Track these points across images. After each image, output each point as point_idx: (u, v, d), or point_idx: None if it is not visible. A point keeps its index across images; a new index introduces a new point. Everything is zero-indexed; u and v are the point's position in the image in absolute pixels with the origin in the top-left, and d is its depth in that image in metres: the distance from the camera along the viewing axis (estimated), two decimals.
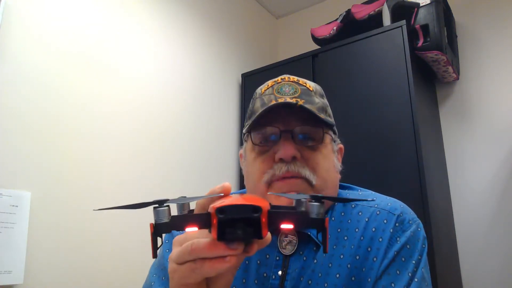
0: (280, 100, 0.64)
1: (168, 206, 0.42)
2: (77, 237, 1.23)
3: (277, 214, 0.40)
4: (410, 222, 0.63)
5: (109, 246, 1.32)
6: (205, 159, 1.79)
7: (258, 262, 0.64)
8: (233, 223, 0.38)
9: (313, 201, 0.41)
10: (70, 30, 1.33)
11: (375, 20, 1.72)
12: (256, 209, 0.38)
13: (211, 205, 0.40)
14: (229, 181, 1.89)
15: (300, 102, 0.63)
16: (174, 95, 1.70)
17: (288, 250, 0.63)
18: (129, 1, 1.57)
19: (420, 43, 1.57)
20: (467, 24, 1.88)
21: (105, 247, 1.31)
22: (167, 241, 0.69)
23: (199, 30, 1.90)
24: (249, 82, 2.03)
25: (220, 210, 0.37)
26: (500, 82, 1.75)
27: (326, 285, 0.59)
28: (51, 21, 1.28)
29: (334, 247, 0.63)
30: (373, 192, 0.71)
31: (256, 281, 0.62)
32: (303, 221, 0.40)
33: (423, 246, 0.62)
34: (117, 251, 1.34)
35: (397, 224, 0.62)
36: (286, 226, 0.40)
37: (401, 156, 1.45)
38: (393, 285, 0.58)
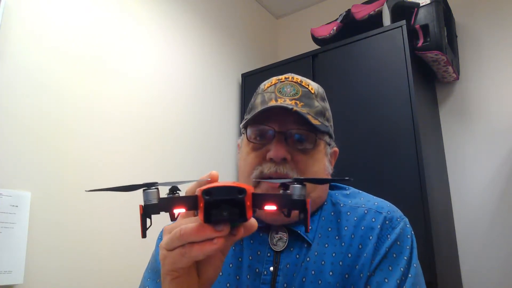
0: (279, 101, 0.66)
1: (157, 188, 0.43)
2: (77, 237, 1.23)
3: (260, 196, 0.42)
4: (398, 219, 0.66)
5: (109, 246, 1.32)
6: (205, 159, 1.79)
7: (250, 258, 0.65)
8: (219, 205, 0.40)
9: (295, 183, 0.42)
10: (70, 30, 1.33)
11: (375, 20, 1.72)
12: (241, 190, 0.40)
13: (198, 188, 0.42)
14: (229, 181, 1.90)
15: (299, 105, 0.65)
16: (174, 95, 1.70)
17: (279, 246, 0.65)
18: (129, 1, 1.57)
19: (420, 43, 1.57)
20: (467, 24, 1.88)
21: (105, 246, 1.31)
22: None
23: (199, 30, 1.90)
24: (249, 82, 2.03)
25: (206, 191, 0.39)
26: (500, 82, 1.75)
27: (320, 282, 0.61)
28: (51, 21, 1.28)
29: (326, 245, 0.64)
30: (361, 192, 0.73)
31: (248, 277, 0.64)
32: (286, 202, 0.42)
33: (412, 242, 0.64)
34: (117, 250, 1.34)
35: (387, 222, 0.65)
36: (270, 207, 0.42)
37: (401, 156, 1.45)
38: (386, 280, 0.59)
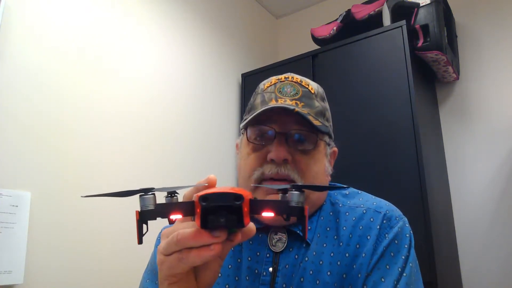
0: (280, 101, 0.66)
1: (153, 194, 0.43)
2: (77, 237, 1.23)
3: (258, 202, 0.41)
4: (397, 218, 0.66)
5: (109, 246, 1.32)
6: (205, 159, 1.79)
7: (249, 259, 0.65)
8: (216, 211, 0.39)
9: (293, 190, 0.42)
10: (70, 30, 1.33)
11: (375, 20, 1.72)
12: (238, 197, 0.39)
13: (195, 194, 0.41)
14: (229, 181, 1.90)
15: (300, 105, 0.65)
16: (174, 95, 1.70)
17: (278, 247, 0.65)
18: (130, 1, 1.57)
19: (420, 43, 1.57)
20: (467, 24, 1.88)
21: (105, 246, 1.31)
22: None
23: (199, 30, 1.90)
24: (249, 82, 2.03)
25: (203, 198, 0.39)
26: (500, 82, 1.75)
27: (318, 282, 0.60)
28: (51, 21, 1.28)
29: (325, 245, 0.64)
30: (360, 192, 0.73)
31: (247, 278, 0.64)
32: (283, 208, 0.41)
33: (410, 241, 0.64)
34: (117, 250, 1.34)
35: (384, 221, 0.64)
36: (267, 214, 0.41)
37: (401, 156, 1.45)
38: (383, 279, 0.59)
